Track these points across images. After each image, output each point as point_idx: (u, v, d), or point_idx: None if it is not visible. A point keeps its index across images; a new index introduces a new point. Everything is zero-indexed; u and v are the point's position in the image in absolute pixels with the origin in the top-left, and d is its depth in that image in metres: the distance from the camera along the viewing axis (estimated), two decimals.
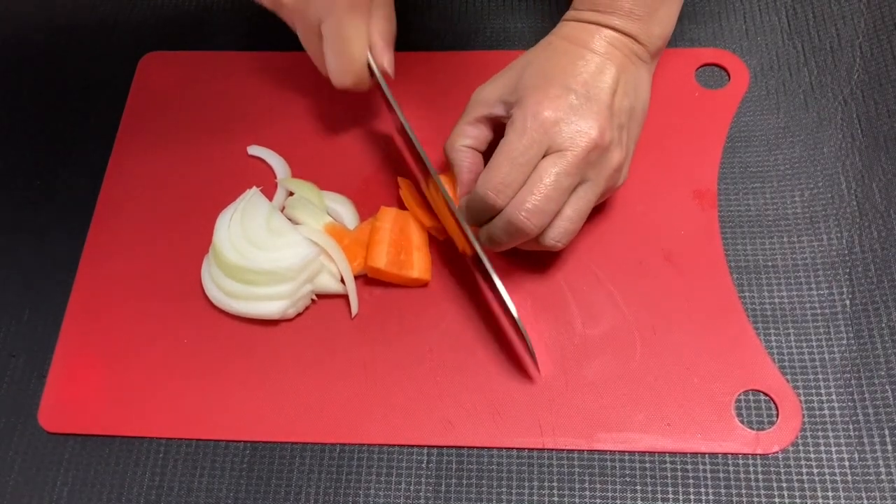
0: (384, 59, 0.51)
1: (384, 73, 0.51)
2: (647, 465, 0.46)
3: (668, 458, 0.46)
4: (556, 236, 0.46)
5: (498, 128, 0.50)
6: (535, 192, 0.44)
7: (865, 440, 0.46)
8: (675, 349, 0.49)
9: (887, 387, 0.47)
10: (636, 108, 0.49)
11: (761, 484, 0.45)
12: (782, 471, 0.45)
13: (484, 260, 0.47)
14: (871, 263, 0.51)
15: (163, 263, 0.54)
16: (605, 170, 0.46)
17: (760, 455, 0.46)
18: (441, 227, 0.52)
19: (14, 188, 0.58)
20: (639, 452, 0.46)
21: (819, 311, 0.50)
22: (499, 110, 0.49)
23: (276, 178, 0.56)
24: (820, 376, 0.48)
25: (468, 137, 0.50)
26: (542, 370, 0.48)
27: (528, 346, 0.47)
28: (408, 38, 0.51)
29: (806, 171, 0.54)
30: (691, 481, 0.46)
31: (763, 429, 0.46)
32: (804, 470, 0.45)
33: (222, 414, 0.49)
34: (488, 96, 0.49)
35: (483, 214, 0.47)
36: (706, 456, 0.46)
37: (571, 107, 0.45)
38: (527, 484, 0.46)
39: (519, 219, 0.45)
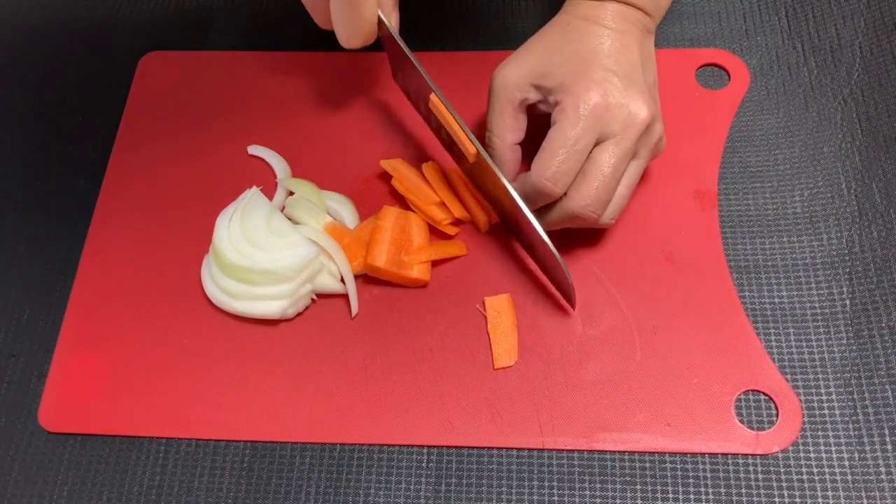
0: (391, 18, 0.50)
1: (393, 28, 0.51)
2: (647, 465, 0.46)
3: (668, 458, 0.46)
4: (612, 215, 0.48)
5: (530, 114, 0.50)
6: (597, 183, 0.45)
7: (865, 440, 0.46)
8: (676, 349, 0.49)
9: (887, 386, 0.47)
10: (656, 78, 0.50)
11: (761, 484, 0.45)
12: (782, 471, 0.45)
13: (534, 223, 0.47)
14: (870, 263, 0.51)
15: (163, 263, 0.54)
16: (651, 143, 0.48)
17: (760, 455, 0.46)
18: (461, 207, 0.53)
19: (14, 188, 0.58)
20: (639, 452, 0.46)
21: (819, 310, 0.50)
22: (534, 96, 0.48)
23: (276, 177, 0.56)
24: (820, 376, 0.48)
25: (514, 131, 0.50)
26: (572, 311, 0.50)
27: (567, 278, 0.48)
28: (408, 39, 0.51)
29: (806, 171, 0.54)
30: (691, 481, 0.45)
31: (763, 429, 0.46)
32: (804, 470, 0.45)
33: (222, 414, 0.49)
34: (518, 81, 0.48)
35: (536, 202, 0.47)
36: (706, 456, 0.46)
37: (618, 90, 0.46)
38: (527, 484, 0.46)
39: (584, 211, 0.46)
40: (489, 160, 0.48)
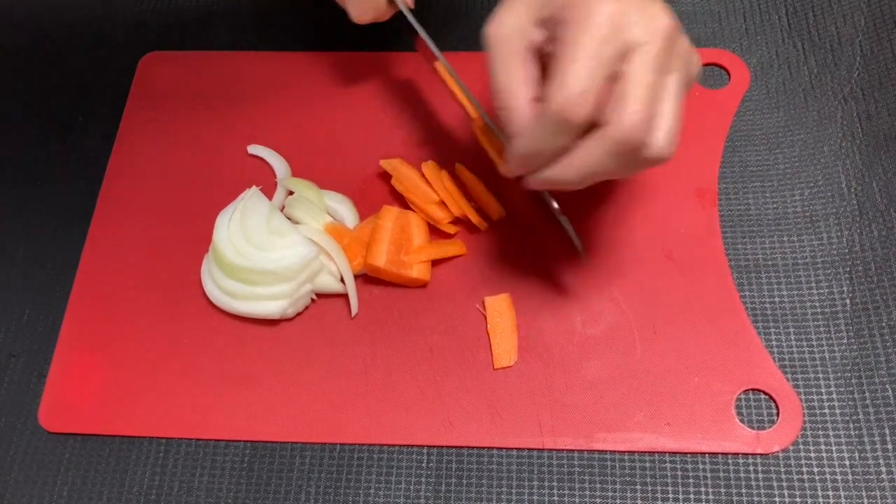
0: None
1: (406, 3, 0.51)
2: (647, 465, 0.46)
3: (668, 458, 0.46)
4: (668, 140, 0.39)
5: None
6: (641, 93, 0.38)
7: (866, 439, 0.46)
8: (676, 348, 0.49)
9: (888, 386, 0.47)
10: None
11: (761, 483, 0.45)
12: (783, 470, 0.45)
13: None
14: (871, 262, 0.51)
15: (163, 263, 0.54)
16: (682, 54, 0.40)
17: (761, 455, 0.46)
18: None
19: (14, 188, 0.58)
20: (639, 452, 0.46)
21: (819, 309, 0.50)
22: (539, 35, 0.41)
23: (276, 177, 0.56)
24: (820, 375, 0.48)
25: (528, 83, 0.41)
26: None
27: (568, 229, 0.47)
28: (408, 40, 0.51)
29: (806, 170, 0.54)
30: (691, 481, 0.45)
31: (763, 428, 0.46)
32: (804, 469, 0.45)
33: (222, 414, 0.49)
34: (517, 24, 0.40)
35: (555, 139, 0.39)
36: (706, 456, 0.46)
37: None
38: (527, 484, 0.46)
39: (634, 133, 0.37)
40: (489, 122, 0.47)
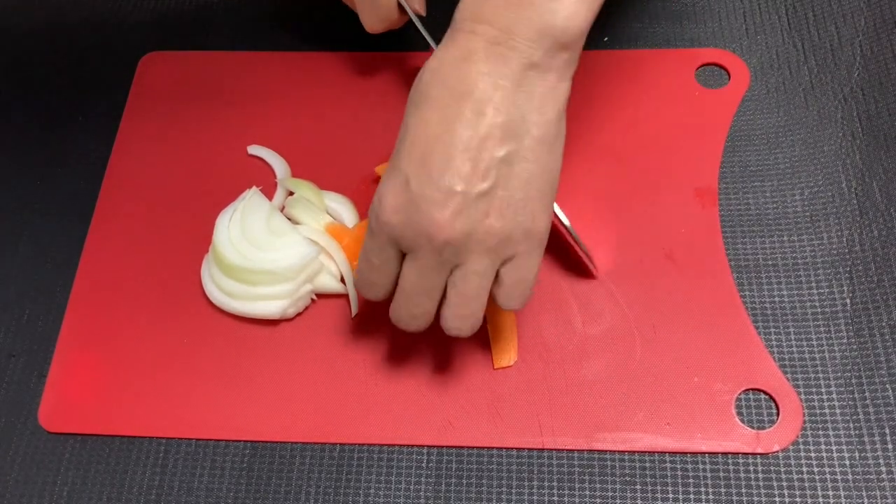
0: (413, 2, 0.50)
1: (416, 12, 0.51)
2: (647, 465, 0.46)
3: (668, 458, 0.46)
4: (457, 324, 0.42)
5: None
6: (403, 298, 0.42)
7: (866, 439, 0.46)
8: (676, 348, 0.49)
9: (888, 385, 0.47)
10: (519, 148, 0.39)
11: (762, 483, 0.45)
12: (783, 470, 0.45)
13: None
14: (871, 262, 0.51)
15: (163, 263, 0.54)
16: (478, 250, 0.40)
17: (761, 454, 0.46)
18: None
19: (14, 188, 0.58)
20: (639, 452, 0.46)
21: (819, 309, 0.50)
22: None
23: (276, 177, 0.56)
24: (820, 375, 0.48)
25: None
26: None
27: (580, 247, 0.48)
28: (408, 39, 0.51)
29: (806, 170, 0.54)
30: (691, 481, 0.45)
31: (763, 428, 0.46)
32: (805, 469, 0.45)
33: (222, 414, 0.49)
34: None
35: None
36: (706, 455, 0.46)
37: (409, 200, 0.39)
38: (527, 484, 0.46)
39: (399, 319, 0.43)
40: None
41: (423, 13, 0.52)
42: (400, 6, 0.51)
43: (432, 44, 0.50)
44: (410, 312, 0.42)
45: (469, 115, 0.38)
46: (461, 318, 0.42)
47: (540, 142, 0.39)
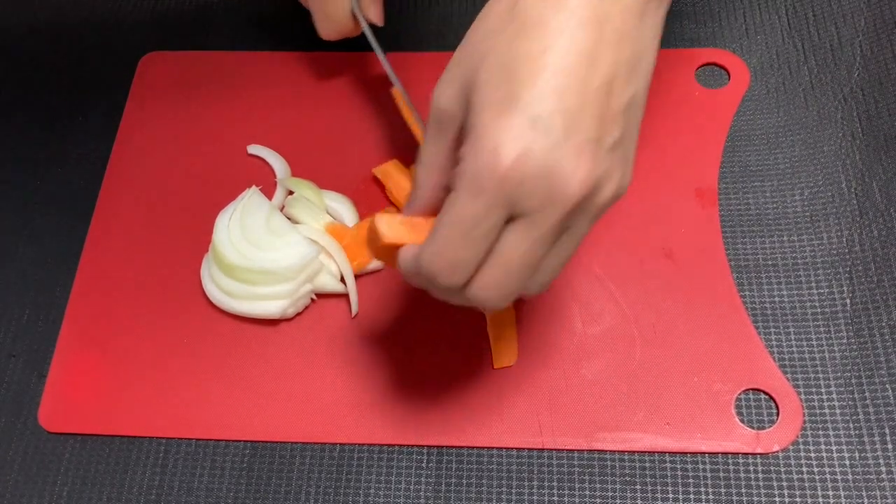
0: (370, 11, 0.49)
1: (371, 23, 0.51)
2: (647, 465, 0.46)
3: (668, 458, 0.46)
4: (536, 290, 0.36)
5: None
6: (500, 275, 0.34)
7: (866, 439, 0.46)
8: (676, 348, 0.49)
9: (888, 385, 0.47)
10: (639, 90, 0.34)
11: (761, 483, 0.45)
12: (783, 470, 0.45)
13: None
14: (871, 262, 0.51)
15: (163, 263, 0.54)
16: (592, 212, 0.34)
17: (761, 454, 0.46)
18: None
19: (14, 188, 0.58)
20: (639, 452, 0.46)
21: (819, 309, 0.50)
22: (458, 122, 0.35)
23: (275, 177, 0.56)
24: (820, 375, 0.48)
25: (445, 171, 0.36)
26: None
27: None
28: (408, 39, 0.51)
29: (806, 170, 0.54)
30: (691, 481, 0.45)
31: (763, 428, 0.46)
32: (804, 469, 0.45)
33: (222, 414, 0.49)
34: (450, 95, 0.35)
35: (430, 288, 0.36)
36: (706, 455, 0.46)
37: (542, 148, 0.31)
38: (527, 484, 0.46)
39: (487, 304, 0.35)
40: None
41: (381, 24, 0.51)
42: (354, 16, 0.51)
43: (381, 56, 0.49)
44: (504, 293, 0.34)
45: (603, 48, 0.32)
46: (545, 287, 0.36)
47: (648, 83, 0.35)
